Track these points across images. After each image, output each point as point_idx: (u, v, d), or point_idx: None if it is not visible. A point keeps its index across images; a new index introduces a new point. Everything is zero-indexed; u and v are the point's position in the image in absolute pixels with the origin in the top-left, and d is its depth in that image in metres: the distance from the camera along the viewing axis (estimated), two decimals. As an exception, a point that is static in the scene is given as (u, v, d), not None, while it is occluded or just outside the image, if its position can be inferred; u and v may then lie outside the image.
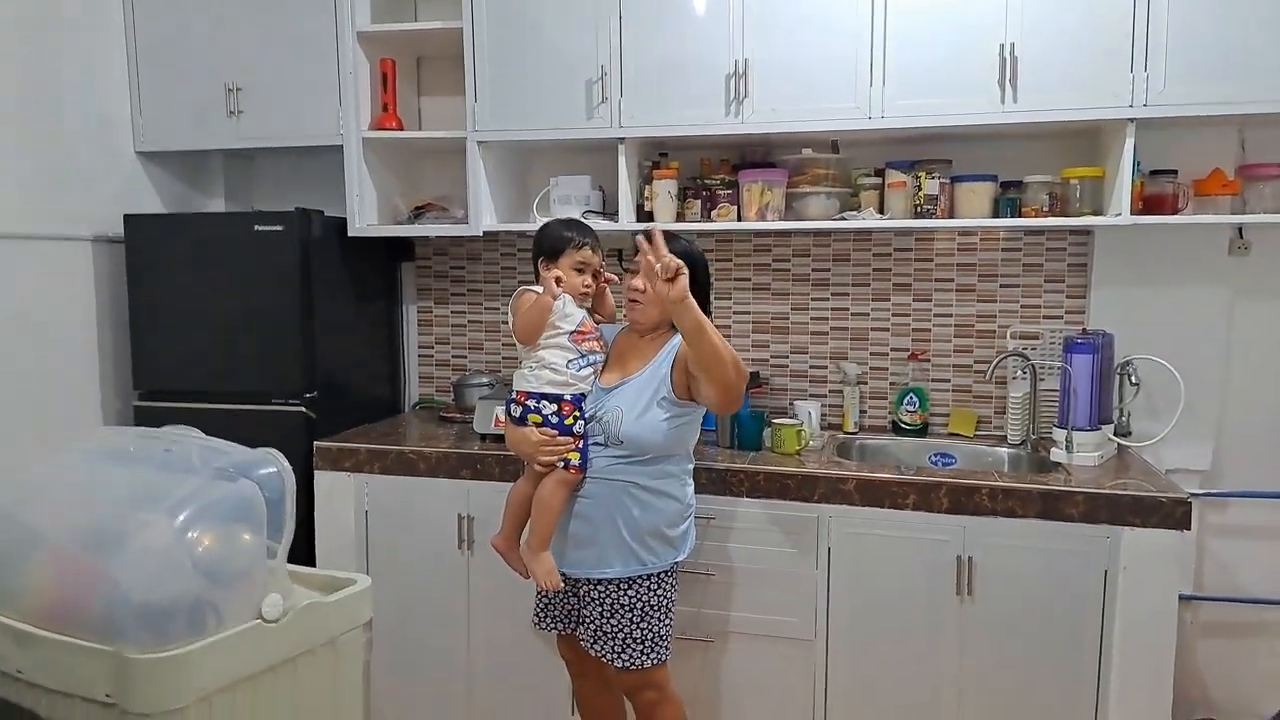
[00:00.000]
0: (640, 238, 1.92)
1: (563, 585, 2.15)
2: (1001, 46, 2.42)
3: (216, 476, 1.44)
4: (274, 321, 2.84)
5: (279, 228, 2.80)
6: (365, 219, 2.98)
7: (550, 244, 2.19)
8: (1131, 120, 2.39)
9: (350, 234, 2.96)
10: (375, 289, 3.26)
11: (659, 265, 1.87)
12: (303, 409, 2.84)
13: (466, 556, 2.68)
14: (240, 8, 2.94)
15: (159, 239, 2.91)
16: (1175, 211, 2.58)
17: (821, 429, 2.84)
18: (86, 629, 1.30)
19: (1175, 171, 2.60)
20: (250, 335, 2.86)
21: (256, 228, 2.82)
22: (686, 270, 1.89)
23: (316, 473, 2.77)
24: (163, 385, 2.94)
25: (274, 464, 1.50)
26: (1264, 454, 2.76)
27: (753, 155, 2.89)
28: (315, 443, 2.78)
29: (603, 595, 2.13)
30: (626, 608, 2.11)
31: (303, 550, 2.72)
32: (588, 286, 2.19)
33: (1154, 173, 2.61)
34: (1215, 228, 2.67)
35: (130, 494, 1.42)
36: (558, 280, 2.12)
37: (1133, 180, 2.44)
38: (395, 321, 3.37)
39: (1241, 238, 2.72)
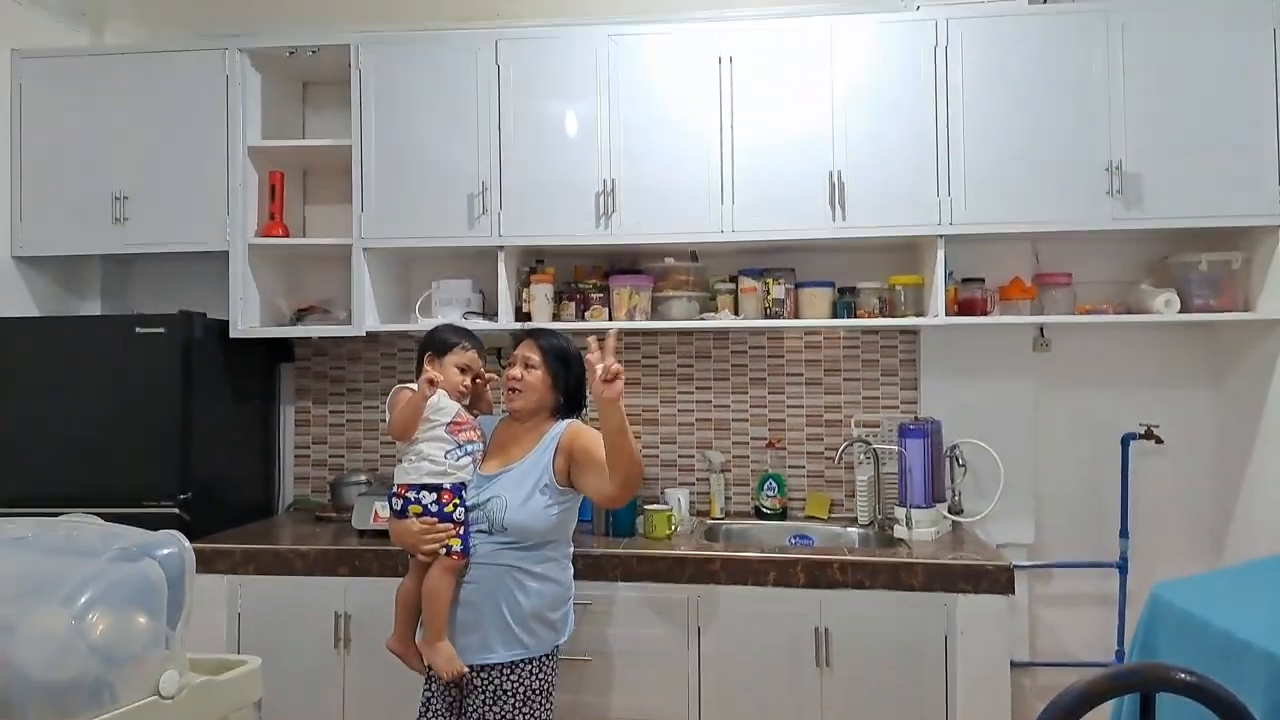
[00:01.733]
0: (593, 338, 2.11)
1: (466, 671, 2.17)
2: (830, 173, 2.80)
3: (118, 557, 1.49)
4: (150, 423, 2.84)
5: (161, 330, 2.85)
6: (248, 321, 3.06)
7: (438, 345, 2.34)
8: (940, 236, 2.79)
9: (232, 335, 3.03)
10: (253, 389, 3.29)
11: (600, 366, 2.05)
12: (176, 510, 2.82)
13: (343, 655, 2.68)
14: (131, 120, 3.06)
15: (32, 342, 2.89)
16: (985, 313, 2.98)
17: (691, 515, 3.03)
18: (-13, 709, 1.32)
19: (983, 279, 3.03)
20: (123, 438, 2.84)
21: (138, 330, 2.85)
22: (624, 376, 2.08)
23: (188, 576, 2.73)
24: (24, 492, 2.85)
25: (175, 544, 1.56)
26: (1077, 528, 3.12)
27: (621, 263, 3.16)
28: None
29: (485, 682, 2.18)
30: (509, 693, 2.17)
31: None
32: (466, 386, 2.33)
33: (965, 280, 3.02)
34: (1020, 327, 3.09)
35: (30, 578, 1.44)
36: (432, 381, 2.22)
37: (946, 286, 2.84)
38: (272, 422, 3.40)
39: (1043, 336, 3.15)
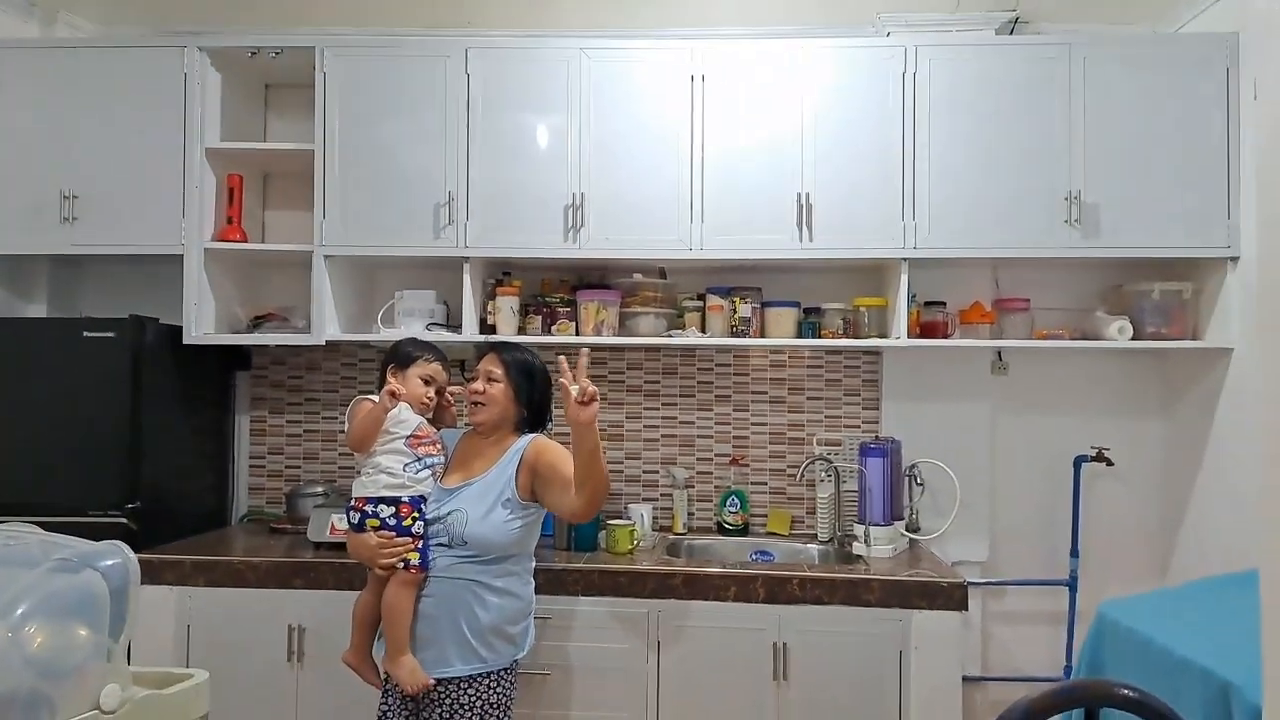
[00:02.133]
0: (564, 357, 2.09)
1: (431, 683, 2.14)
2: (798, 195, 2.83)
3: (59, 568, 1.44)
4: (97, 430, 2.76)
5: (110, 334, 2.77)
6: (202, 327, 2.98)
7: (402, 356, 2.33)
8: (904, 259, 2.83)
9: (186, 342, 2.95)
10: (207, 398, 3.21)
11: (574, 388, 2.03)
12: (123, 520, 2.74)
13: (296, 670, 2.62)
14: (82, 117, 2.97)
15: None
16: (945, 336, 3.03)
17: (654, 530, 3.02)
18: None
19: (944, 303, 3.08)
20: (69, 445, 2.75)
21: (85, 334, 2.76)
22: (599, 398, 2.05)
23: (135, 587, 2.65)
24: (-43, 498, 2.75)
25: (118, 555, 1.52)
26: (1030, 546, 3.19)
27: (589, 277, 3.16)
28: (136, 555, 2.66)
29: (443, 695, 2.15)
30: (467, 707, 2.15)
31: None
32: (429, 398, 2.31)
33: (928, 303, 3.07)
34: (979, 350, 3.15)
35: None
36: (393, 394, 2.21)
37: (909, 309, 2.88)
38: (226, 431, 3.32)
39: (1000, 359, 3.21)
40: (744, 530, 3.14)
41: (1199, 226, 2.78)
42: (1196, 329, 2.94)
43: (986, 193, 2.81)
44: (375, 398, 2.24)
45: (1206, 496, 2.93)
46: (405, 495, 2.19)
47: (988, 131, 2.82)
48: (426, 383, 2.30)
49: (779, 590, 2.54)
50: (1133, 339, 2.88)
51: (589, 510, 2.17)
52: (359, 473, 2.25)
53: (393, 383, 2.24)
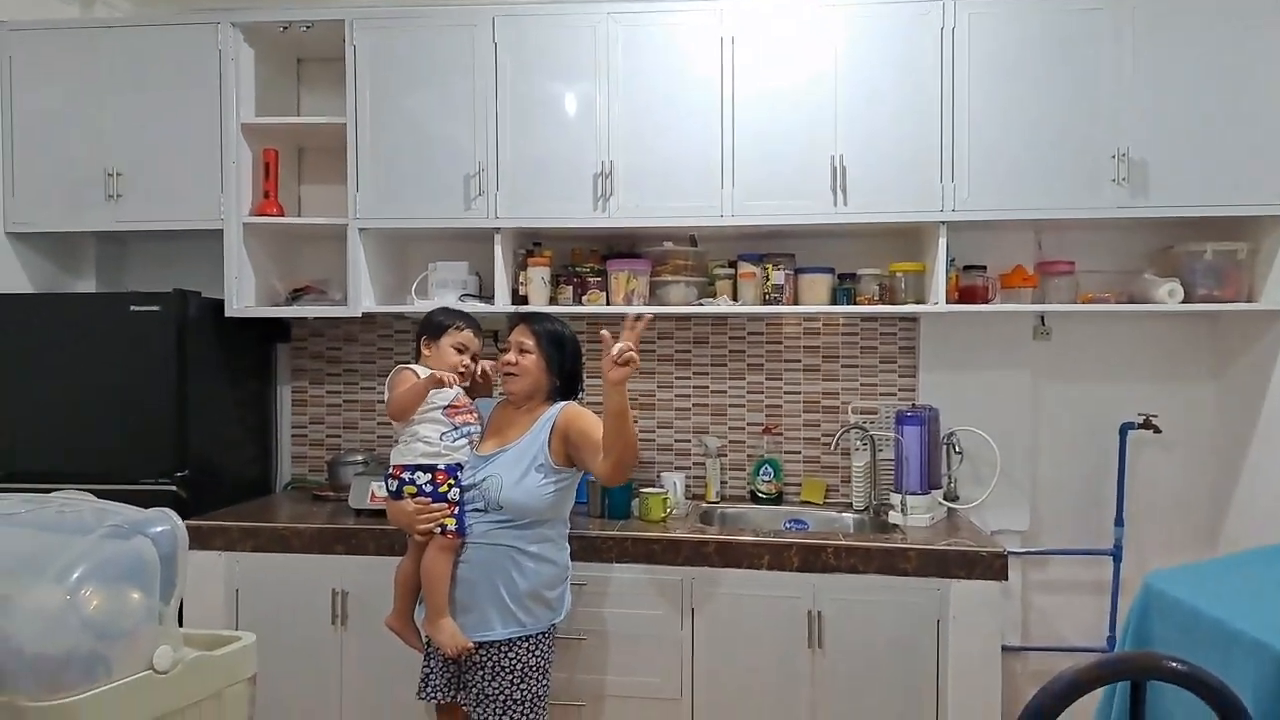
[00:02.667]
0: (630, 317, 2.14)
1: (471, 646, 2.20)
2: (832, 158, 2.77)
3: (110, 534, 1.50)
4: (146, 401, 2.84)
5: (156, 308, 2.83)
6: (243, 300, 3.04)
7: (434, 327, 2.37)
8: (942, 223, 2.76)
9: (228, 315, 3.01)
10: (249, 369, 3.28)
11: (616, 348, 2.06)
12: (173, 488, 2.82)
13: (340, 632, 2.69)
14: (123, 95, 3.02)
15: (27, 319, 2.88)
16: (986, 301, 2.96)
17: (686, 499, 3.02)
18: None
19: (985, 267, 3.00)
20: (120, 415, 2.84)
21: (132, 308, 2.83)
22: (638, 362, 2.09)
23: (185, 553, 2.74)
24: (19, 469, 2.86)
25: (167, 522, 1.58)
26: (1072, 515, 3.12)
27: (619, 246, 3.14)
28: (186, 522, 2.74)
29: (484, 658, 2.21)
30: (507, 669, 2.20)
31: (167, 633, 2.65)
32: (465, 367, 2.34)
33: (967, 267, 2.99)
34: (1020, 315, 3.08)
35: (22, 553, 1.46)
36: (440, 381, 2.24)
37: (948, 274, 2.81)
38: (268, 402, 3.39)
39: (1043, 325, 3.13)
40: (777, 499, 3.13)
41: (1255, 183, 2.66)
42: (1252, 290, 2.83)
43: (1029, 152, 2.73)
44: (417, 368, 2.28)
45: (1260, 464, 2.84)
46: (441, 463, 2.24)
47: (1030, 88, 2.73)
48: (460, 351, 2.33)
49: (813, 558, 2.53)
50: (1183, 302, 2.79)
51: (617, 473, 2.18)
52: (397, 441, 2.30)
53: (438, 368, 2.26)
